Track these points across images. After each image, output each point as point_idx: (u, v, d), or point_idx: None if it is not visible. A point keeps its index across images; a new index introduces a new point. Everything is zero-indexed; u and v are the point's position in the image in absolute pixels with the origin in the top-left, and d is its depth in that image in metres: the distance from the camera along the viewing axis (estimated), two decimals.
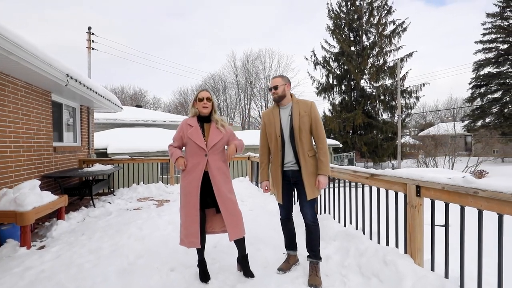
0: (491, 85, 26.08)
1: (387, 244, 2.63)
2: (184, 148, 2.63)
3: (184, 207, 2.44)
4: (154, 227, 3.93)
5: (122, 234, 3.66)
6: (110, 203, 5.41)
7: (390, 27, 24.46)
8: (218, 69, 42.15)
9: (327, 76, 25.74)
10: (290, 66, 50.72)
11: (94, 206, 5.15)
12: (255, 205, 5.18)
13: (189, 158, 2.48)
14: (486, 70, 26.32)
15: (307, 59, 26.07)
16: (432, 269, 2.16)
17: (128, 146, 10.77)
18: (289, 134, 2.45)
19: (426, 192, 2.16)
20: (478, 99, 26.75)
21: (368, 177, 2.80)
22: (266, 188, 2.65)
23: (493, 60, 25.66)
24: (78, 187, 5.41)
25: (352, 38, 25.58)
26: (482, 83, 26.53)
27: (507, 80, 24.94)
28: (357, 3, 25.03)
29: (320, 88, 25.97)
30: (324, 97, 26.18)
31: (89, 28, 12.65)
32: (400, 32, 24.25)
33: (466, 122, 27.92)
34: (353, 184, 3.17)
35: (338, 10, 25.86)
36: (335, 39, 25.31)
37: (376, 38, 24.56)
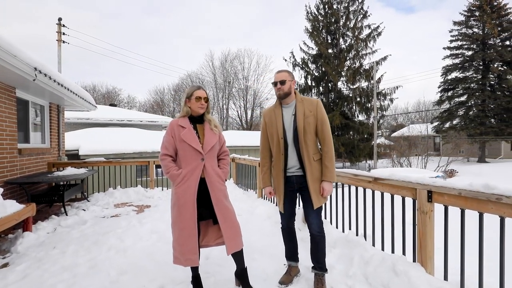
0: (458, 89, 27.61)
1: (393, 251, 2.51)
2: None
3: (179, 220, 2.15)
4: (136, 237, 3.60)
5: (101, 246, 3.29)
6: (84, 210, 4.95)
7: (366, 31, 25.16)
8: (195, 68, 41.30)
9: (306, 78, 26.07)
10: (269, 67, 50.63)
11: (66, 214, 4.68)
12: (243, 210, 4.95)
13: (184, 164, 2.19)
14: (453, 75, 27.84)
15: (286, 60, 26.34)
16: (446, 278, 2.05)
17: (102, 147, 10.12)
18: (292, 135, 2.25)
19: (439, 197, 2.05)
20: (446, 102, 28.19)
21: (371, 181, 2.67)
22: (270, 193, 2.42)
23: (460, 65, 27.17)
24: (48, 193, 4.91)
25: (329, 41, 26.04)
26: (450, 87, 28.00)
27: (472, 85, 26.50)
28: (335, 6, 25.53)
29: (298, 89, 26.22)
30: None
31: (59, 19, 11.76)
32: (375, 36, 24.99)
33: (436, 123, 29.32)
34: (352, 187, 3.04)
35: (316, 13, 26.25)
36: (313, 41, 25.69)
37: (353, 41, 25.15)
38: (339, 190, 3.39)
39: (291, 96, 2.31)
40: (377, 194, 2.71)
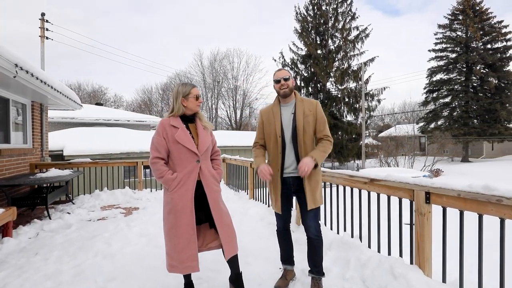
0: (443, 91, 28.34)
1: (389, 253, 2.48)
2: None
3: (176, 226, 2.03)
4: (125, 241, 3.46)
5: (87, 251, 3.14)
6: (69, 213, 4.75)
7: (354, 33, 25.43)
8: (184, 68, 40.76)
9: (295, 78, 26.13)
10: (259, 67, 50.85)
11: (50, 218, 4.48)
12: (235, 211, 4.85)
13: (179, 167, 2.08)
14: (438, 76, 28.55)
15: (275, 60, 26.39)
16: (444, 281, 2.03)
17: (88, 147, 9.81)
18: (291, 134, 2.18)
19: (437, 199, 2.03)
20: (432, 103, 28.87)
21: (367, 182, 2.64)
22: (265, 172, 2.14)
23: (444, 67, 27.89)
24: (30, 196, 4.68)
25: (318, 42, 26.21)
26: (435, 88, 28.70)
27: (456, 86, 27.25)
28: (324, 8, 25.72)
29: None
30: None
31: (43, 14, 11.29)
32: (363, 37, 25.30)
33: (421, 124, 29.97)
34: (347, 188, 3.01)
35: (306, 14, 26.38)
36: (302, 42, 25.81)
37: (341, 42, 25.39)
38: (334, 190, 3.35)
39: (291, 95, 2.25)
40: (373, 195, 2.68)
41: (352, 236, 2.89)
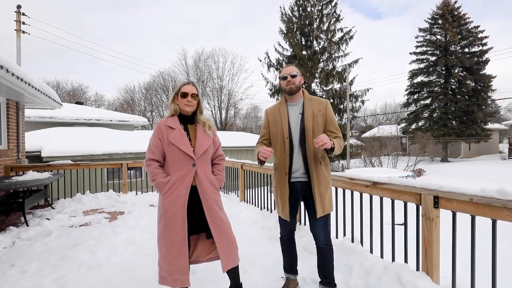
0: (423, 92, 29.19)
1: (393, 259, 2.41)
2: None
3: (166, 235, 1.88)
4: (111, 249, 3.24)
5: (70, 262, 2.90)
6: (48, 219, 4.43)
7: (339, 34, 25.73)
8: (168, 67, 39.90)
9: (280, 79, 26.18)
10: (244, 67, 50.57)
11: (27, 225, 4.16)
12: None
13: (172, 170, 1.93)
14: (419, 78, 29.37)
15: (260, 60, 26.29)
16: None
17: (68, 148, 9.34)
18: (299, 136, 2.06)
19: (446, 203, 1.96)
20: (413, 104, 29.69)
21: (369, 186, 2.56)
22: (265, 150, 1.96)
23: (425, 70, 28.73)
24: (5, 202, 4.34)
25: (303, 43, 26.36)
26: (416, 90, 29.52)
27: (436, 89, 28.14)
28: (309, 9, 25.90)
29: (273, 89, 26.32)
30: (277, 99, 26.58)
31: (19, 7, 10.62)
32: (348, 39, 25.63)
33: (403, 125, 30.76)
34: (347, 191, 2.92)
35: (291, 15, 26.47)
36: (287, 43, 25.89)
37: (326, 44, 25.65)
38: (332, 193, 3.26)
39: (298, 93, 2.13)
40: (375, 198, 2.61)
41: (352, 241, 2.80)
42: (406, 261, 2.31)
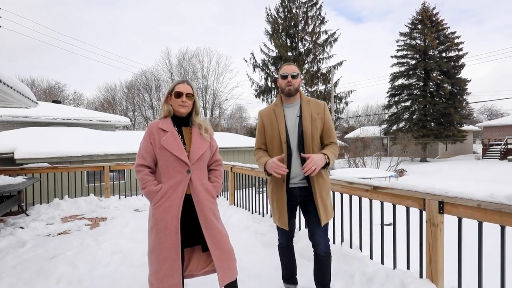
0: (403, 95, 30.08)
1: (395, 266, 2.34)
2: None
3: (157, 248, 1.71)
4: (94, 261, 3.00)
5: (47, 276, 2.65)
6: (22, 227, 4.10)
7: (323, 37, 26.04)
8: (151, 65, 38.97)
9: (266, 79, 26.23)
10: (229, 67, 50.20)
11: None
12: None
13: (164, 177, 1.76)
14: (400, 81, 30.23)
15: (246, 61, 26.25)
16: None
17: (44, 150, 8.83)
18: (297, 140, 1.94)
19: (452, 209, 1.91)
20: (394, 106, 30.51)
21: (368, 190, 2.49)
22: (277, 164, 1.83)
23: (405, 73, 29.61)
24: None
25: (289, 44, 26.49)
26: (396, 92, 30.37)
27: (415, 91, 29.04)
28: (294, 11, 26.06)
29: (258, 90, 26.35)
30: (263, 100, 26.62)
31: None
32: (332, 41, 25.99)
33: (384, 126, 31.54)
34: (345, 195, 2.84)
35: (276, 16, 26.56)
36: (273, 44, 25.95)
37: (311, 45, 25.89)
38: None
39: (296, 95, 2.02)
40: (375, 203, 2.53)
41: (351, 247, 2.72)
42: (408, 267, 2.25)
